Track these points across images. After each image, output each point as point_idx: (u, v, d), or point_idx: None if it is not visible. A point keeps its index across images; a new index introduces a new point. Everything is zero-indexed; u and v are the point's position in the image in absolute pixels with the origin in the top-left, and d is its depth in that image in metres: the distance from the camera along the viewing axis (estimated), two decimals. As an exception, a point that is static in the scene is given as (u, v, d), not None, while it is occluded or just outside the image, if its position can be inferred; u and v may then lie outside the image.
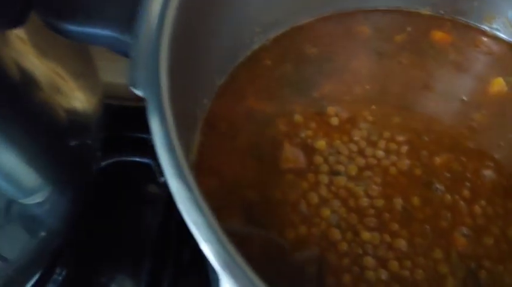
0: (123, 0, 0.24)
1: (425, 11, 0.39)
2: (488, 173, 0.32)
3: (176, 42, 0.23)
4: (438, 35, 0.38)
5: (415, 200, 0.30)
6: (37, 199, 0.35)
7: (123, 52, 0.25)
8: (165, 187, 0.50)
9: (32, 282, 0.41)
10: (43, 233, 0.37)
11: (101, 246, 0.47)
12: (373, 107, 0.34)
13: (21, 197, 0.34)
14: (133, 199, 0.49)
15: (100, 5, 0.24)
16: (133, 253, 0.47)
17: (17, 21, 0.26)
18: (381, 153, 0.32)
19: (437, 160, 0.32)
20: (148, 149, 0.51)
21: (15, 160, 0.33)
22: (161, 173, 0.52)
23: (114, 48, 0.25)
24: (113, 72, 0.43)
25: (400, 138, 0.33)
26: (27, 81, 0.33)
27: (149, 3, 0.22)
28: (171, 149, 0.20)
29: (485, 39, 0.38)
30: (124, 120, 0.49)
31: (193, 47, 0.26)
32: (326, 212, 0.30)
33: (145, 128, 0.54)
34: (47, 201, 0.36)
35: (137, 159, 0.49)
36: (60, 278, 0.44)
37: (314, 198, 0.30)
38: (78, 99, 0.39)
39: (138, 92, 0.22)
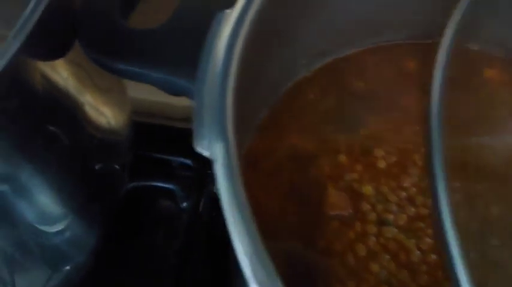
0: (179, 41, 0.22)
1: (474, 46, 0.37)
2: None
3: (238, 87, 0.21)
4: (489, 73, 0.36)
5: (470, 257, 0.28)
6: (60, 226, 0.34)
7: (174, 92, 0.23)
8: (186, 212, 0.48)
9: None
10: (67, 267, 0.35)
11: (118, 272, 0.46)
12: (424, 150, 0.32)
13: (44, 224, 0.33)
14: (152, 223, 0.48)
15: (154, 45, 0.22)
16: (152, 279, 0.45)
17: (59, 54, 0.24)
18: (432, 202, 0.30)
19: (494, 210, 0.30)
20: (172, 171, 0.49)
21: (39, 184, 0.31)
22: (183, 199, 0.50)
23: (165, 89, 0.23)
24: (137, 86, 0.41)
25: (453, 185, 0.31)
26: (55, 95, 0.31)
27: (214, 47, 0.20)
28: (244, 220, 0.19)
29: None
30: (147, 138, 0.47)
31: (248, 88, 0.24)
32: (375, 266, 0.28)
33: (169, 149, 0.52)
34: (69, 230, 0.34)
35: (160, 184, 0.47)
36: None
37: (362, 250, 0.28)
38: (105, 115, 0.37)
39: (204, 153, 0.20)
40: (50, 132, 0.32)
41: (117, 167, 0.40)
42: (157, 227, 0.47)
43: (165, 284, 0.45)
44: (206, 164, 0.52)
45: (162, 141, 0.49)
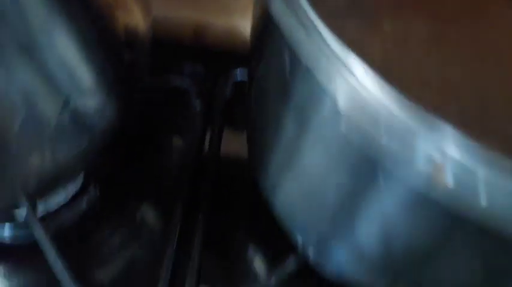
0: None
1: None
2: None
3: None
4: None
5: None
6: (86, 101, 0.36)
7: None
8: (200, 115, 0.49)
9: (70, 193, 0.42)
10: (88, 137, 0.37)
11: (132, 177, 0.47)
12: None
13: (75, 93, 0.35)
14: (167, 127, 0.50)
15: None
16: (167, 185, 0.47)
17: None
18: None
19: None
20: (184, 75, 0.51)
21: (75, 54, 0.33)
22: (197, 95, 0.52)
23: None
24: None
25: (457, 57, 0.33)
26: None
27: None
28: None
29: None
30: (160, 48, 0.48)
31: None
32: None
33: (181, 56, 0.54)
34: (92, 103, 0.36)
35: (174, 85, 0.50)
36: (94, 194, 0.45)
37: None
38: (135, 13, 0.39)
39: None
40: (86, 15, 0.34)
41: (138, 62, 0.42)
42: (172, 129, 0.49)
43: (181, 189, 0.46)
44: (217, 71, 0.54)
45: (174, 50, 0.51)
